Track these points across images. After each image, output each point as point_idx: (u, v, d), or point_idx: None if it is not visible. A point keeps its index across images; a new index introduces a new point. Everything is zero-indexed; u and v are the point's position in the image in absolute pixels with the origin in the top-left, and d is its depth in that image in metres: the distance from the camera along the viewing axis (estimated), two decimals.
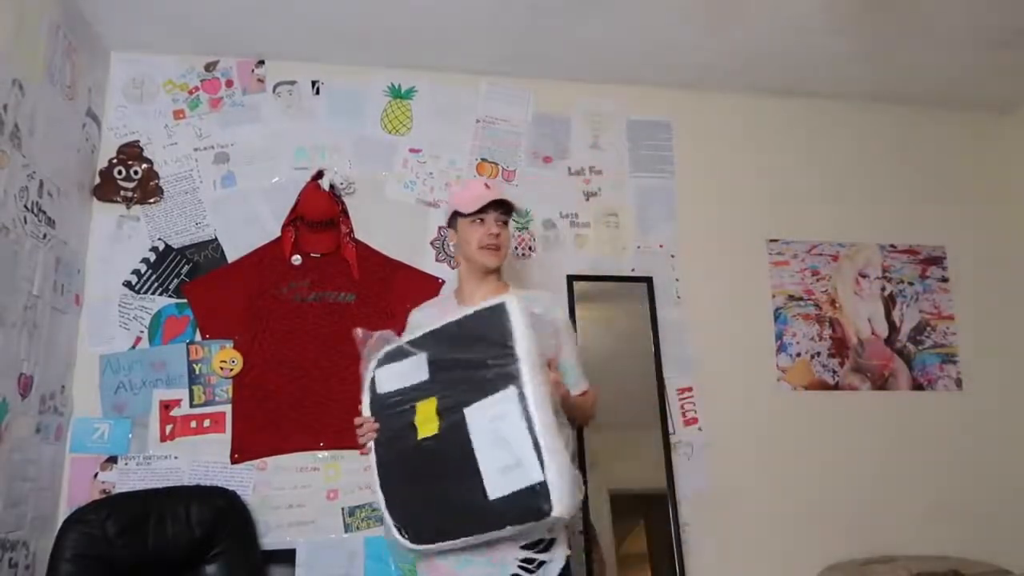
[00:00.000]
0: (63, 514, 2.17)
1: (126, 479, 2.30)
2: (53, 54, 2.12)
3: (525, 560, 1.65)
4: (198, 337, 2.44)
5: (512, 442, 1.52)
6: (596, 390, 1.97)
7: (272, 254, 2.52)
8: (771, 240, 2.89)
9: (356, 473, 2.41)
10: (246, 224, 2.54)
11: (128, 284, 2.45)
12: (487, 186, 1.95)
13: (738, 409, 2.70)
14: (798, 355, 2.81)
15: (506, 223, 1.96)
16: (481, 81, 2.79)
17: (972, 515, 2.75)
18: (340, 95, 2.69)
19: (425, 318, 1.90)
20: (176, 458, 2.35)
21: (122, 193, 2.49)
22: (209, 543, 2.16)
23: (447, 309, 1.88)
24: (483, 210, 1.91)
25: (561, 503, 1.47)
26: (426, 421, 1.65)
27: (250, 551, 2.24)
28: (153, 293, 2.45)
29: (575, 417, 1.92)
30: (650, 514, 2.57)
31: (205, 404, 2.40)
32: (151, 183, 2.51)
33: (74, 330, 2.34)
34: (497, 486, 1.53)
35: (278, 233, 2.53)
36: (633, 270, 2.75)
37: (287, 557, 2.33)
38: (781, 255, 2.88)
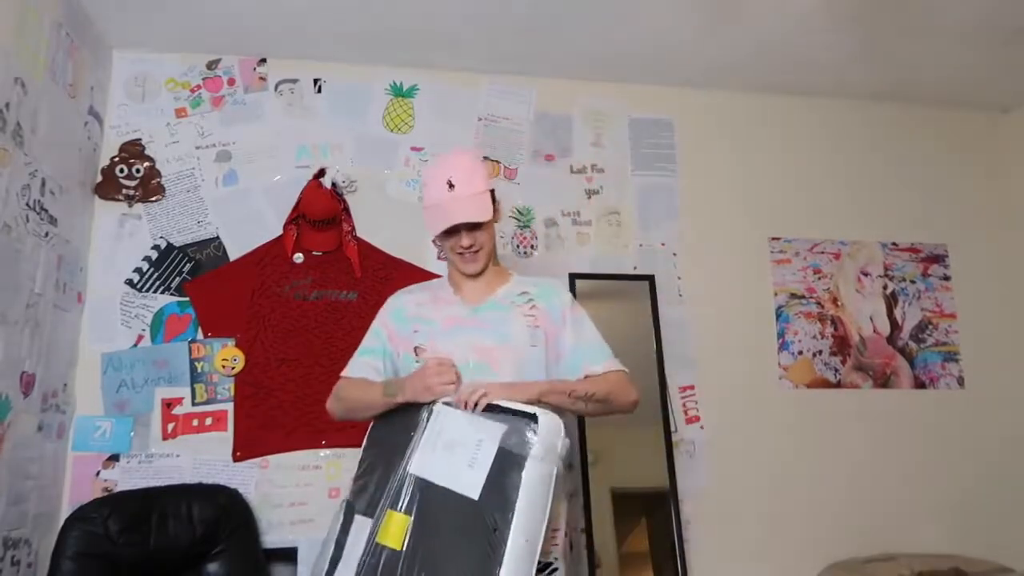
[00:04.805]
0: (65, 512, 2.18)
1: (128, 477, 2.30)
2: (55, 52, 2.12)
3: None
4: (200, 335, 2.44)
5: None
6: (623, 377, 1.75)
7: (274, 252, 2.52)
8: (773, 238, 2.88)
9: None
10: (248, 222, 2.54)
11: (130, 282, 2.44)
12: (451, 184, 1.65)
13: (740, 407, 2.70)
14: (800, 353, 2.81)
15: (482, 226, 1.71)
16: (483, 79, 2.79)
17: (974, 513, 2.75)
18: (342, 93, 2.69)
19: (413, 305, 1.77)
20: (178, 456, 2.35)
21: (124, 191, 2.49)
22: (211, 541, 2.16)
23: (440, 297, 1.78)
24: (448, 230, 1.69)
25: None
26: (391, 533, 1.44)
27: (252, 549, 2.24)
28: (155, 291, 2.45)
29: (607, 407, 1.70)
30: (652, 512, 2.58)
31: (207, 402, 2.40)
32: (153, 181, 2.51)
33: (76, 328, 2.34)
34: None
35: (280, 231, 2.53)
36: (635, 268, 2.75)
37: (289, 555, 2.33)
38: (783, 253, 2.88)
